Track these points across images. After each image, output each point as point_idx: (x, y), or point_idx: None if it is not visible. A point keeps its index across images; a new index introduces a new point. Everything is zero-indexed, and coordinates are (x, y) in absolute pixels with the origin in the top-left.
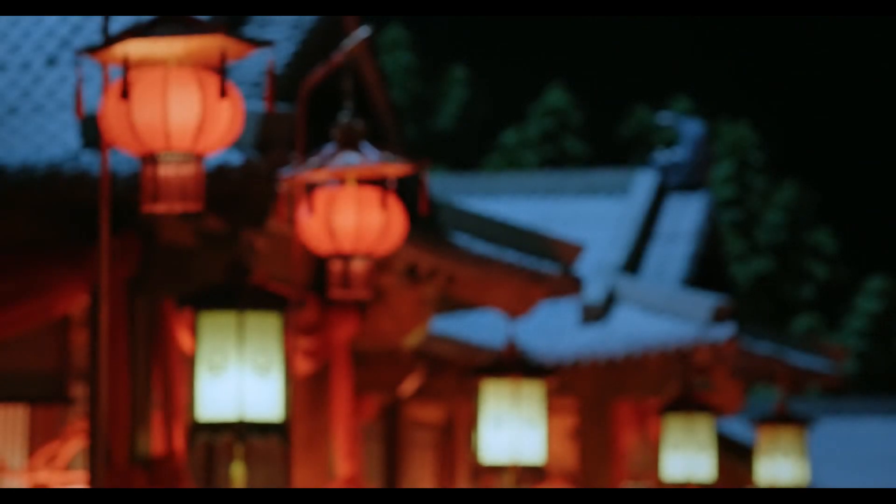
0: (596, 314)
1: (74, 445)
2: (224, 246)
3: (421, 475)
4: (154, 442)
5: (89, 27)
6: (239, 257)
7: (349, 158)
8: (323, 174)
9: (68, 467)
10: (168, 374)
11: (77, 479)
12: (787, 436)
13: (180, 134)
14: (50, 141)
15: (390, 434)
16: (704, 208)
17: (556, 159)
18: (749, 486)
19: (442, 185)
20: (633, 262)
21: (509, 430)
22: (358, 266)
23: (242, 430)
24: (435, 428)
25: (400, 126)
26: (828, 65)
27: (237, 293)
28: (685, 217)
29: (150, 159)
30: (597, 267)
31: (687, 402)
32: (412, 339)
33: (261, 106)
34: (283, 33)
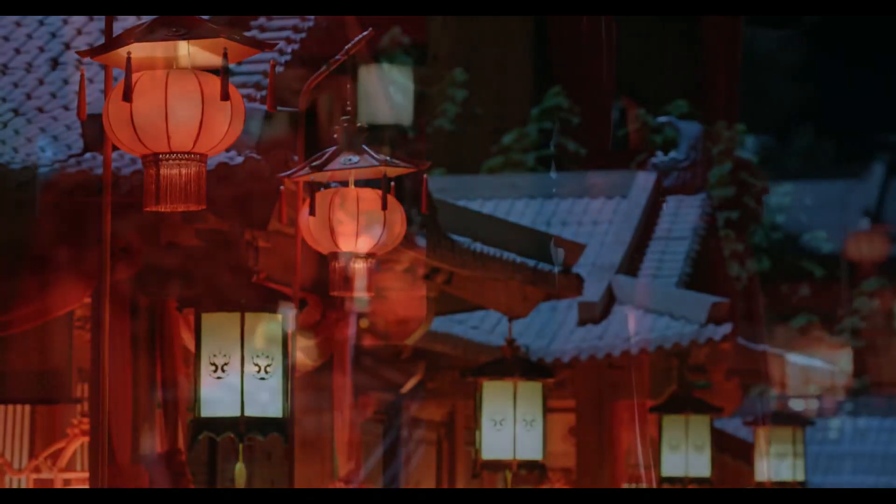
0: (595, 314)
1: (77, 444)
2: (226, 246)
3: (421, 473)
4: (156, 441)
5: (91, 29)
6: (240, 257)
7: (350, 159)
8: (324, 174)
9: (71, 466)
10: (170, 373)
11: (79, 479)
12: (784, 435)
13: (182, 135)
14: (53, 142)
15: (391, 432)
16: (702, 209)
17: (555, 160)
18: (750, 484)
19: (442, 186)
20: (631, 263)
21: (509, 429)
22: (358, 266)
23: (244, 429)
24: (435, 426)
25: (400, 127)
26: (824, 65)
27: (239, 293)
28: (683, 218)
29: (152, 160)
30: (596, 267)
31: (685, 402)
32: (412, 339)
33: (262, 107)
34: (283, 34)
